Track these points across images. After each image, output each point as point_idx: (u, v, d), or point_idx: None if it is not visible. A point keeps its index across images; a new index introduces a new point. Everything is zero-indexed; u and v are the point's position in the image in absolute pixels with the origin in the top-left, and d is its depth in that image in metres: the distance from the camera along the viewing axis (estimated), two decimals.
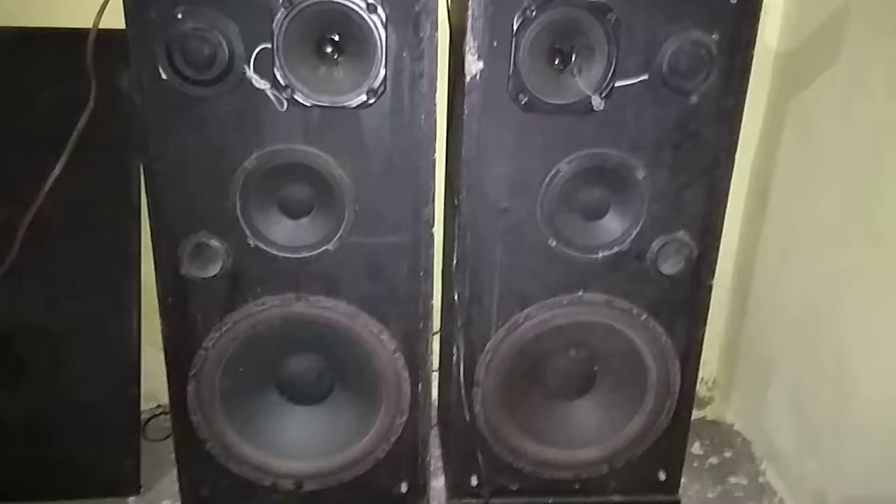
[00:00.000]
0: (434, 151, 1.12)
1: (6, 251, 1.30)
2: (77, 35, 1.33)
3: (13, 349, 1.39)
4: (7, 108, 1.37)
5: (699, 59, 1.08)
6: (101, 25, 1.17)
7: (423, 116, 1.09)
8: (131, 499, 1.45)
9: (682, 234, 1.19)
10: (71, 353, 1.40)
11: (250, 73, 1.03)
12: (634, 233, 1.18)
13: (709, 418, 1.79)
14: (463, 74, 1.09)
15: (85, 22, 1.22)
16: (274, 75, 1.03)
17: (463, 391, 1.24)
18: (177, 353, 1.18)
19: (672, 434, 1.33)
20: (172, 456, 1.53)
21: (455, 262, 1.20)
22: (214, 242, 1.12)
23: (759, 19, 1.08)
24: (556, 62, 1.09)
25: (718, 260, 1.23)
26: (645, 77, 1.09)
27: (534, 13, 1.03)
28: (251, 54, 1.03)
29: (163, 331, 1.17)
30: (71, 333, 1.39)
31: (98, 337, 1.40)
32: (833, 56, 1.33)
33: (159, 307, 1.15)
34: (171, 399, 1.21)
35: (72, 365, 1.41)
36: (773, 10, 1.50)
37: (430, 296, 1.20)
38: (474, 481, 1.33)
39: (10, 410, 1.40)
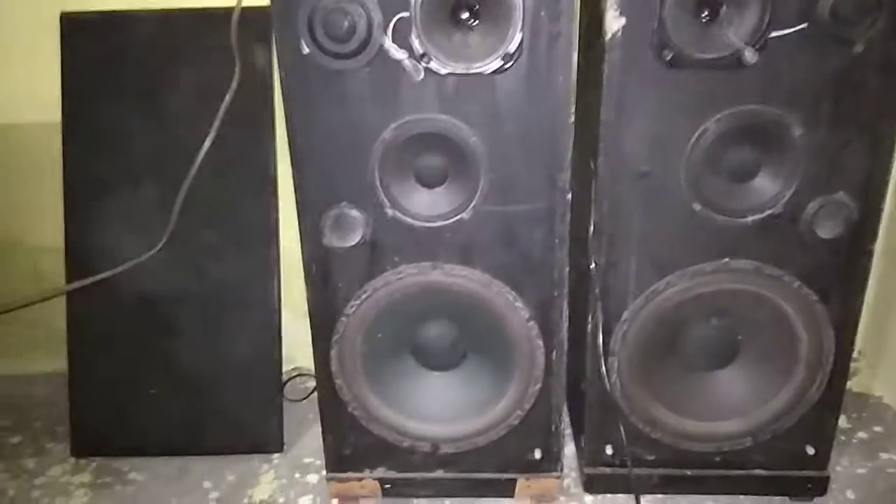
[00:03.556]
0: (571, 115, 1.09)
1: (164, 225, 1.39)
2: (213, 15, 1.38)
3: (170, 313, 1.50)
4: (154, 89, 1.45)
5: (865, 3, 0.98)
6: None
7: (560, 78, 1.06)
8: (276, 456, 1.53)
9: (841, 195, 1.10)
10: (219, 318, 1.49)
11: (388, 43, 1.03)
12: (788, 194, 1.10)
13: (854, 390, 1.68)
14: (600, 32, 1.04)
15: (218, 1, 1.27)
16: (410, 44, 1.03)
17: (601, 361, 1.22)
18: (321, 319, 1.22)
19: (823, 407, 1.25)
20: (310, 416, 1.62)
21: (591, 228, 1.17)
22: (355, 213, 1.14)
23: None
24: (704, 14, 1.02)
25: None
26: (803, 26, 1.01)
27: None
28: (389, 24, 1.02)
29: (308, 299, 1.21)
30: (219, 299, 1.48)
31: (243, 302, 1.49)
32: None
33: (304, 276, 1.19)
34: (315, 363, 1.26)
35: (220, 328, 1.50)
36: None
37: (565, 263, 1.18)
38: (609, 450, 1.32)
39: (168, 371, 1.51)
